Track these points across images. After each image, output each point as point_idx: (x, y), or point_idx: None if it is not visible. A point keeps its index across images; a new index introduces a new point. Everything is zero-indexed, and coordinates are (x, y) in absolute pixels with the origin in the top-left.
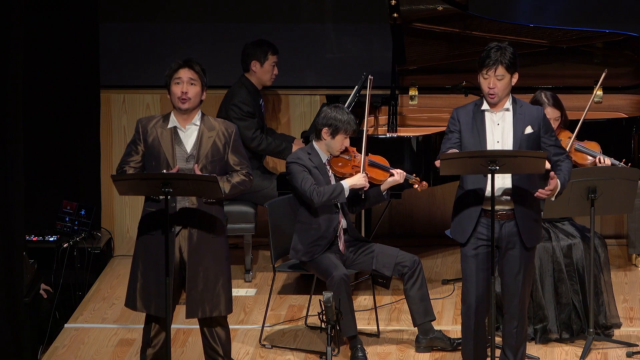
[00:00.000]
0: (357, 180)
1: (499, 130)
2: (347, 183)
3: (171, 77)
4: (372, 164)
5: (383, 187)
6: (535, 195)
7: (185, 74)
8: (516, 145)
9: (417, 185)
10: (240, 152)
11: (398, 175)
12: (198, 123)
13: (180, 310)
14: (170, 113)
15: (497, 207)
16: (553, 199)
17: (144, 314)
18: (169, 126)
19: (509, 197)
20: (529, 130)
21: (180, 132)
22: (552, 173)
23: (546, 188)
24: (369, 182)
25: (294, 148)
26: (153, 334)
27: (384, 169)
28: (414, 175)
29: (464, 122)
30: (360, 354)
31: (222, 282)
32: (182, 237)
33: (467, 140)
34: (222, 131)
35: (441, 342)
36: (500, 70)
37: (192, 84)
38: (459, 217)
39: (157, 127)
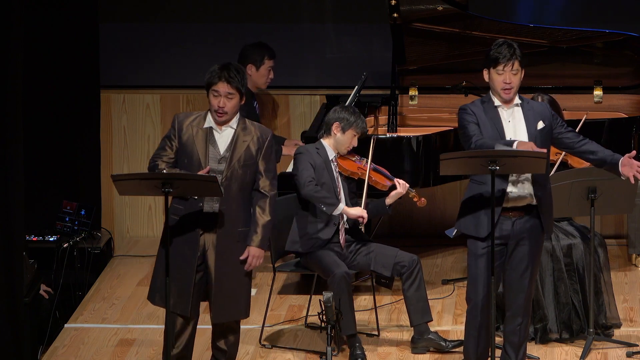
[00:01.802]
0: (355, 210)
1: (511, 127)
2: (343, 205)
3: (209, 87)
4: (376, 170)
5: (388, 200)
6: (632, 181)
7: (223, 88)
8: (531, 141)
9: (416, 199)
10: (271, 159)
11: (401, 186)
12: (234, 126)
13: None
14: (207, 112)
15: (509, 205)
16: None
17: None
18: (205, 126)
19: (523, 194)
20: (540, 125)
21: (215, 133)
22: (624, 159)
23: (637, 169)
24: (373, 186)
25: (284, 150)
26: (175, 334)
27: (388, 177)
28: (414, 190)
29: (479, 116)
30: (358, 352)
31: (244, 286)
32: (208, 238)
33: (487, 135)
34: (257, 136)
35: (437, 344)
36: (516, 65)
37: (229, 97)
38: (476, 213)
39: (193, 126)
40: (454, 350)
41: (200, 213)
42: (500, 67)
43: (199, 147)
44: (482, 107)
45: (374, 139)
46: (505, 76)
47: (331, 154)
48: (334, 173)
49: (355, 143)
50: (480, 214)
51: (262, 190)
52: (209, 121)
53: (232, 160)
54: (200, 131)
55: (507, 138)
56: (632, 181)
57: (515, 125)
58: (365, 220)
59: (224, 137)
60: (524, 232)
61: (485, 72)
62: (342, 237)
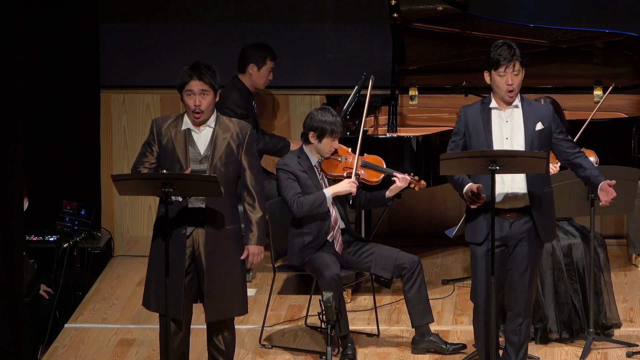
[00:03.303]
0: (342, 187)
1: (508, 128)
2: (329, 191)
3: (182, 88)
4: (366, 165)
5: (389, 193)
6: (601, 204)
7: (196, 86)
8: (528, 142)
9: (414, 185)
10: (253, 153)
11: (401, 181)
12: (212, 125)
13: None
14: (184, 114)
15: (507, 207)
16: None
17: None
18: (183, 128)
19: (520, 195)
20: (539, 126)
21: (194, 134)
22: (604, 185)
23: (611, 198)
24: (363, 184)
25: (294, 146)
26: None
27: (378, 170)
28: (412, 174)
29: (471, 121)
30: (350, 352)
31: (236, 284)
32: (198, 238)
33: (474, 139)
34: (236, 132)
35: (437, 346)
36: (517, 65)
37: (204, 94)
38: (474, 219)
39: (171, 129)
40: (456, 352)
41: (186, 210)
42: (501, 70)
43: (179, 149)
44: (480, 109)
45: (362, 134)
46: (507, 78)
47: (314, 160)
48: (319, 180)
49: (336, 145)
50: (475, 220)
51: (248, 187)
52: (187, 122)
53: (214, 159)
54: (179, 133)
55: (504, 137)
56: (602, 204)
57: (513, 126)
58: (354, 193)
59: (202, 137)
60: (523, 233)
61: (486, 74)
62: (337, 243)
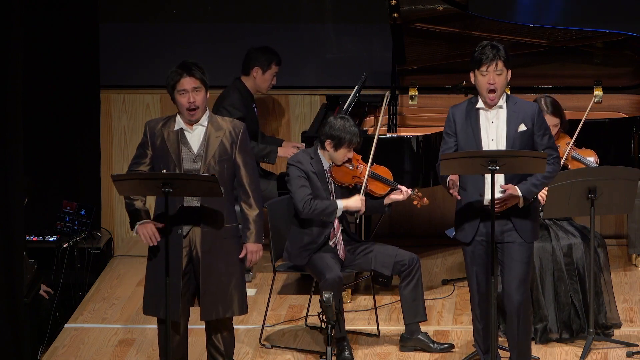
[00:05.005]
0: (354, 203)
1: (494, 128)
2: (342, 203)
3: (174, 88)
4: (375, 177)
5: (387, 201)
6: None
7: (188, 83)
8: (509, 143)
9: (417, 202)
10: (248, 151)
11: (403, 193)
12: (205, 124)
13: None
14: (176, 114)
15: (490, 204)
16: (520, 205)
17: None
18: (176, 128)
19: (501, 195)
20: (522, 127)
21: (187, 134)
22: (509, 186)
23: (502, 203)
24: (369, 195)
25: (282, 151)
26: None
27: (386, 183)
28: (416, 190)
29: (459, 121)
30: (347, 354)
31: (234, 283)
32: (194, 237)
33: (462, 139)
34: (229, 130)
35: (425, 345)
36: (500, 65)
37: (196, 91)
38: (461, 220)
39: (164, 130)
40: (445, 351)
41: (182, 209)
42: (484, 69)
43: (172, 149)
44: (467, 109)
45: (374, 145)
46: (490, 77)
47: (326, 165)
48: (328, 185)
49: (350, 155)
50: (463, 220)
51: (244, 184)
52: (179, 123)
53: (207, 158)
54: (172, 134)
55: (490, 139)
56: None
57: (498, 127)
58: (362, 211)
59: (195, 136)
60: (509, 231)
61: (471, 74)
62: (340, 248)
